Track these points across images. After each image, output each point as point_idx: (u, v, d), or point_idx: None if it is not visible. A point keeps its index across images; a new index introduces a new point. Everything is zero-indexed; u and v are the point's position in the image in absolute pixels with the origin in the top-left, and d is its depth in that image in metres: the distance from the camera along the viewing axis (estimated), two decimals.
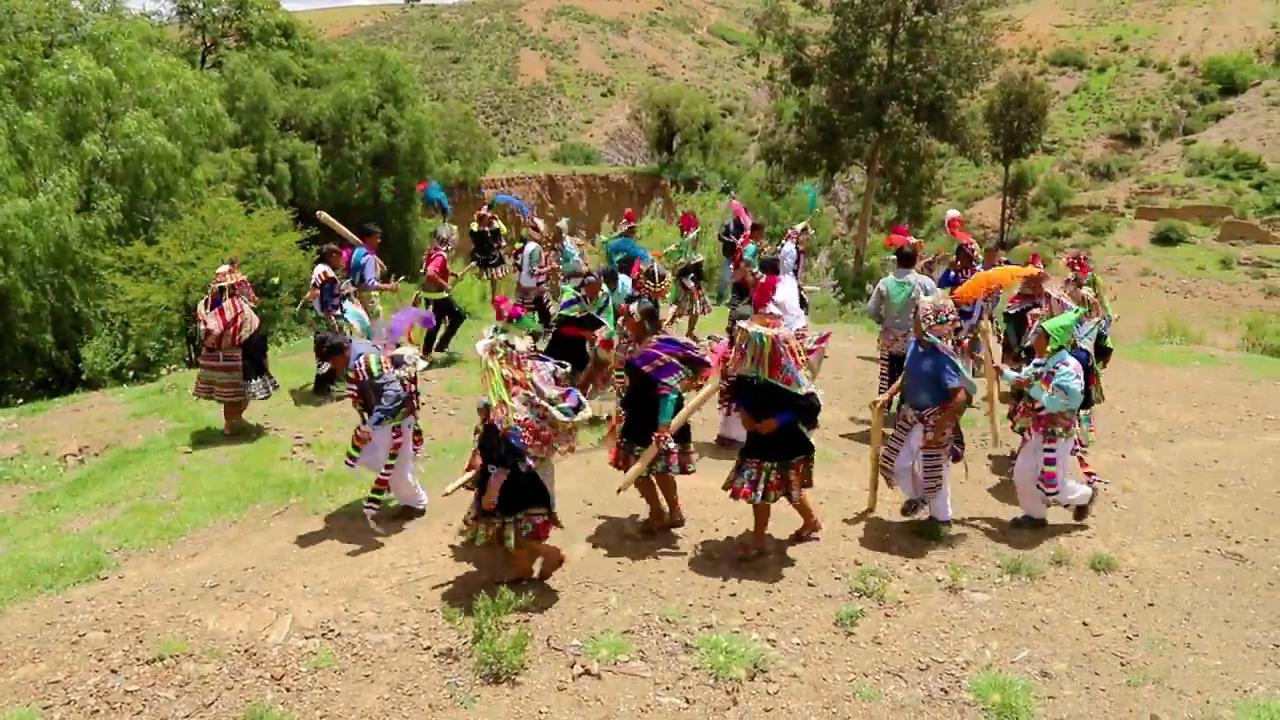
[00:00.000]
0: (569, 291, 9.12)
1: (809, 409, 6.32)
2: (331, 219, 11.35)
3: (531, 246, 12.26)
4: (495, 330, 6.01)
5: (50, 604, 5.81)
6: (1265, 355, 14.49)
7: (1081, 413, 7.94)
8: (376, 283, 10.73)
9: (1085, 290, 8.68)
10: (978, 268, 10.57)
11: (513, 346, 5.83)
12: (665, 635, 5.54)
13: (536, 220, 12.91)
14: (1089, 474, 7.47)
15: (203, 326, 8.79)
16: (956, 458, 7.04)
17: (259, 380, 9.09)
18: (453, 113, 45.73)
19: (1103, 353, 8.58)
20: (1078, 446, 7.31)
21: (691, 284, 12.31)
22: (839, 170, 38.27)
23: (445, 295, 11.69)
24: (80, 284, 17.41)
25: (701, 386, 6.69)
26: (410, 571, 6.29)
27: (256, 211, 19.12)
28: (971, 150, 36.86)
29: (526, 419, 5.62)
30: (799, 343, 6.37)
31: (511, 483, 5.65)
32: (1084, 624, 5.84)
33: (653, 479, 6.77)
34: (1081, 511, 7.31)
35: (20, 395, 14.94)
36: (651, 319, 6.69)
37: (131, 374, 14.78)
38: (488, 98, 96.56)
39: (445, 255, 11.71)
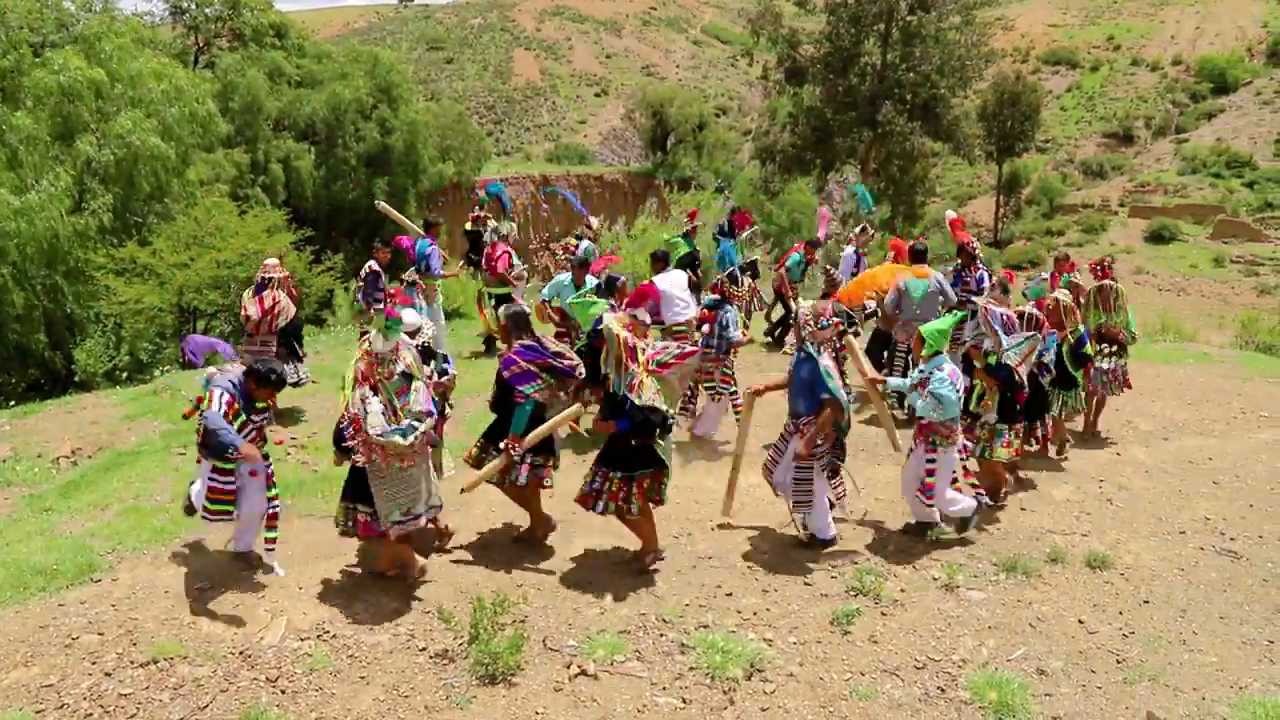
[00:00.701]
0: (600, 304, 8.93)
1: (644, 422, 5.94)
2: (392, 210, 11.88)
3: (586, 244, 12.48)
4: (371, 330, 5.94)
5: (43, 607, 5.77)
6: (1258, 353, 14.53)
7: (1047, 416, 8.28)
8: (441, 271, 11.43)
9: (1060, 294, 8.55)
10: (980, 266, 10.60)
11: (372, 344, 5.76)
12: (662, 635, 5.53)
13: (591, 218, 13.15)
14: (975, 487, 7.13)
15: (243, 312, 9.40)
16: (834, 472, 6.66)
17: (291, 366, 9.49)
18: (447, 113, 45.62)
19: (1081, 360, 8.45)
20: (962, 455, 7.00)
21: (750, 282, 12.38)
22: (833, 169, 38.34)
23: (508, 291, 11.83)
24: (73, 285, 17.38)
25: (568, 396, 6.43)
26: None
27: (250, 213, 19.08)
28: (965, 149, 37.02)
29: (355, 414, 5.56)
30: (660, 354, 6.04)
31: None
32: (1080, 622, 5.85)
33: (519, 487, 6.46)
34: (963, 524, 6.95)
35: (12, 397, 14.87)
36: (516, 323, 6.43)
37: (125, 375, 14.73)
38: (481, 98, 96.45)
39: (509, 251, 11.91)
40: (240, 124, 28.89)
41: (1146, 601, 6.13)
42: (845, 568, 6.47)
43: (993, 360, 7.21)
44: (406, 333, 6.19)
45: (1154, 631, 5.75)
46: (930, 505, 6.76)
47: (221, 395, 5.77)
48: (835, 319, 6.68)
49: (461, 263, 13.86)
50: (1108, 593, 6.24)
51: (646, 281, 8.09)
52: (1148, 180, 67.30)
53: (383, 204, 12.08)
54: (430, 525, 6.20)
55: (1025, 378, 7.44)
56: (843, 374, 6.69)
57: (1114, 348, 9.18)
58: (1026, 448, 8.19)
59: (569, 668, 5.17)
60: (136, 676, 5.02)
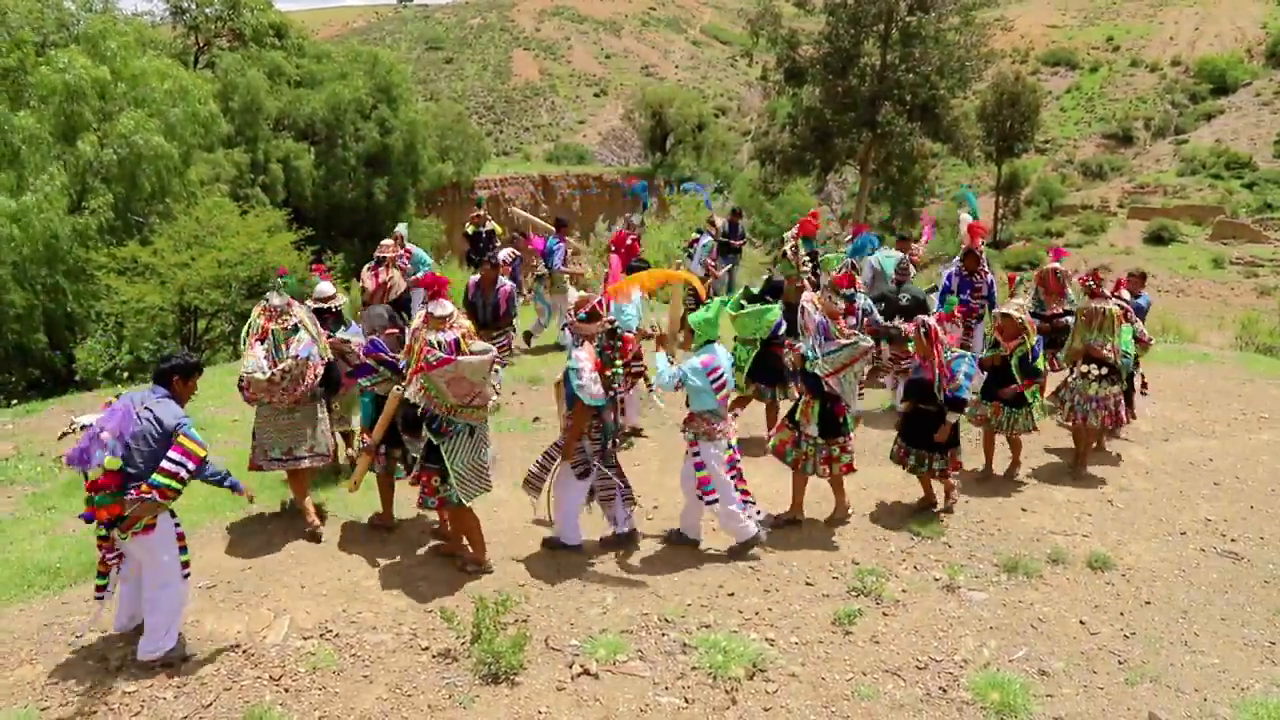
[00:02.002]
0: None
1: (407, 418, 6.19)
2: (524, 213, 12.80)
3: (706, 239, 12.97)
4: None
5: (47, 605, 5.78)
6: (1258, 354, 14.54)
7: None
8: (563, 267, 12.06)
9: (1013, 307, 7.98)
10: (988, 270, 10.61)
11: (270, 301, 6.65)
12: (664, 635, 5.54)
13: (716, 217, 13.80)
14: (744, 495, 6.59)
15: (361, 284, 10.56)
16: (584, 473, 6.40)
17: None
18: (446, 113, 45.61)
19: (1030, 372, 7.78)
20: (732, 461, 6.52)
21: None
22: (832, 170, 38.37)
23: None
24: (73, 284, 17.35)
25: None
26: (407, 572, 6.29)
27: (251, 212, 19.08)
28: (964, 150, 36.98)
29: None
30: (429, 353, 5.92)
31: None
32: (1081, 622, 5.87)
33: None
34: (739, 548, 6.56)
35: (13, 396, 14.86)
36: (372, 323, 7.17)
37: (126, 375, 14.71)
38: (481, 98, 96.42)
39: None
40: (240, 124, 28.83)
41: (1148, 602, 6.15)
42: (847, 568, 6.48)
43: (809, 367, 6.79)
44: (321, 299, 7.43)
45: (1155, 632, 5.77)
46: (711, 502, 6.38)
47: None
48: (608, 318, 6.54)
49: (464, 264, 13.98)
50: (1109, 593, 6.26)
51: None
52: (1147, 181, 67.30)
53: (516, 209, 13.49)
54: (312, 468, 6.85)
55: (843, 392, 6.82)
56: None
57: (1101, 370, 8.09)
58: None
59: (571, 667, 5.18)
60: (140, 675, 5.02)
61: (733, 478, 6.47)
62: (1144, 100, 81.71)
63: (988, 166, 64.09)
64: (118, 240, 17.81)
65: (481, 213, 13.85)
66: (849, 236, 12.51)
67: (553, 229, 12.63)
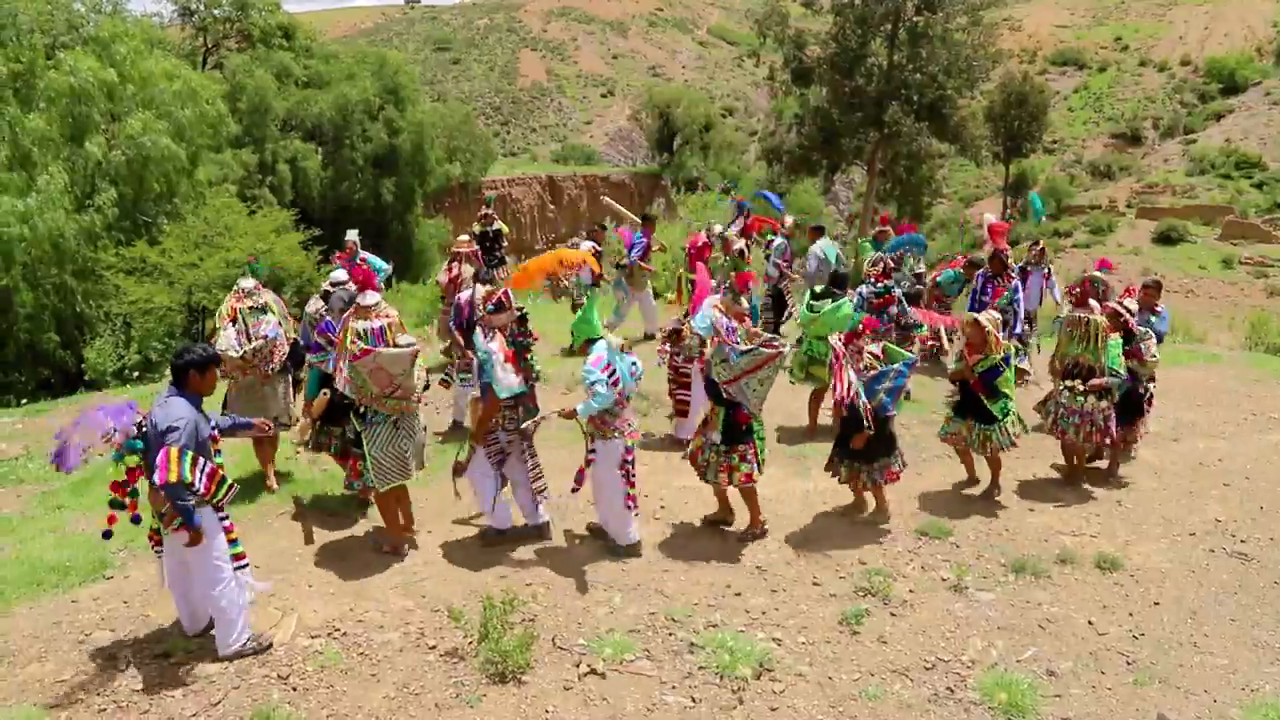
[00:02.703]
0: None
1: (333, 404, 6.69)
2: (616, 205, 13.01)
3: (779, 240, 12.91)
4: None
5: (56, 604, 5.80)
6: (1268, 354, 14.48)
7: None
8: (637, 260, 12.31)
9: (986, 316, 7.45)
10: (1014, 275, 10.51)
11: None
12: (671, 634, 5.54)
13: (788, 217, 13.80)
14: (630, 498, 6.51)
15: (437, 278, 11.08)
16: (500, 461, 6.40)
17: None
18: (453, 114, 45.66)
19: (995, 393, 7.36)
20: (627, 459, 6.38)
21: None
22: (839, 170, 38.36)
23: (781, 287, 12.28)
24: (82, 284, 17.46)
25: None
26: (415, 571, 6.30)
27: (259, 213, 19.16)
28: (972, 150, 37.00)
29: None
30: (355, 343, 6.07)
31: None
32: (1089, 623, 5.84)
33: None
34: (616, 549, 6.55)
35: (23, 396, 14.95)
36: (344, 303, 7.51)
37: (134, 374, 14.79)
38: (488, 99, 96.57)
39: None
40: (248, 124, 28.98)
41: (1156, 603, 6.12)
42: (853, 568, 6.47)
43: (710, 373, 6.61)
44: (334, 283, 7.90)
45: (1164, 633, 5.74)
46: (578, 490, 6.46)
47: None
48: (515, 309, 6.47)
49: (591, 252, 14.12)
50: (1117, 594, 6.24)
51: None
52: (1156, 181, 67.12)
53: (607, 199, 13.81)
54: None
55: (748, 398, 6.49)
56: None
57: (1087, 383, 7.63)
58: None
59: (578, 666, 5.18)
60: (149, 673, 5.04)
61: (631, 478, 6.40)
62: (1153, 100, 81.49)
63: (995, 166, 64.03)
64: (126, 240, 17.91)
65: (489, 212, 13.86)
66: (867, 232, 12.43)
67: (640, 222, 13.09)
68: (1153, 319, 8.66)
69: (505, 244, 13.78)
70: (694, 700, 4.93)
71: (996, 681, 5.09)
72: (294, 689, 4.96)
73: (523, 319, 6.56)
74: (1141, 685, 5.19)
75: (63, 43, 20.79)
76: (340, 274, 8.17)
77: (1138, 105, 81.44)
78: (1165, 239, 54.88)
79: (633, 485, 6.42)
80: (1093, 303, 7.91)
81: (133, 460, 4.91)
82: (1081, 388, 7.62)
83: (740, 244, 11.72)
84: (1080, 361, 7.71)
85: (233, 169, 25.71)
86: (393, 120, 33.52)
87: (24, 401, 13.34)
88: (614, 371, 6.22)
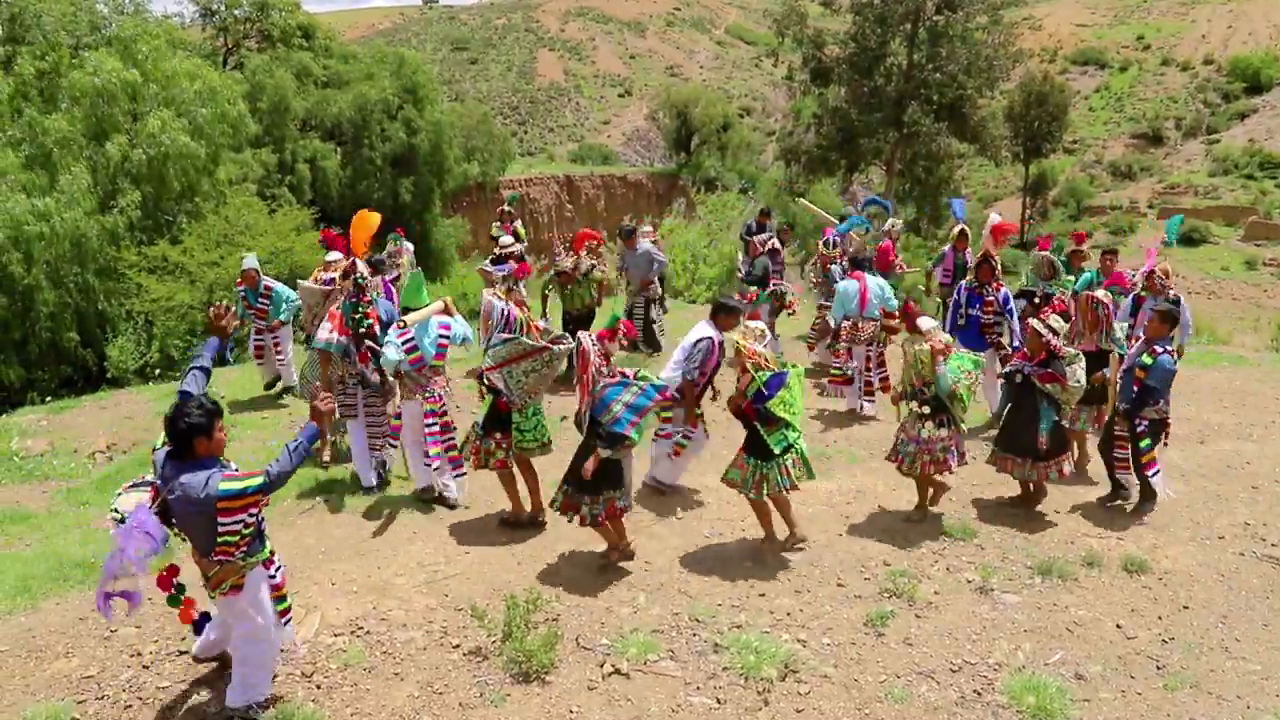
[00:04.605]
0: None
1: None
2: (811, 205, 13.46)
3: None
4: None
5: (82, 599, 5.83)
6: None
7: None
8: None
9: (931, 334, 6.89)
10: (1003, 283, 9.71)
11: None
12: (695, 635, 5.51)
13: (896, 223, 13.78)
14: (450, 456, 7.22)
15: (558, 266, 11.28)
16: (352, 417, 7.51)
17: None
18: (471, 113, 45.74)
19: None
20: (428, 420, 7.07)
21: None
22: (858, 171, 38.16)
23: (892, 284, 12.24)
24: (104, 283, 17.58)
25: None
26: (438, 570, 6.29)
27: (279, 211, 19.25)
28: (992, 150, 36.75)
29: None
30: None
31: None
32: (1118, 626, 5.77)
33: None
34: (418, 491, 7.43)
35: (46, 393, 15.08)
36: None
37: (156, 372, 14.89)
38: (506, 98, 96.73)
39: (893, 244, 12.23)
40: (268, 124, 29.08)
41: (1186, 607, 6.04)
42: (878, 569, 6.42)
43: (484, 360, 6.82)
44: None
45: (1194, 638, 5.67)
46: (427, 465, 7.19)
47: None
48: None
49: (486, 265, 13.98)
50: (1146, 597, 6.16)
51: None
52: (1177, 182, 66.56)
53: (802, 200, 14.31)
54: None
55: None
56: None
57: (925, 409, 6.93)
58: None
59: (602, 666, 5.16)
60: (174, 669, 5.06)
61: (438, 438, 7.07)
62: (1175, 100, 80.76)
63: (1015, 167, 63.65)
64: (148, 239, 18.04)
65: (509, 210, 13.87)
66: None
67: (836, 221, 13.21)
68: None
69: (524, 244, 13.78)
70: (719, 701, 4.90)
71: (1024, 685, 5.04)
72: (318, 686, 4.96)
73: (360, 287, 7.52)
74: (1172, 690, 5.12)
75: (86, 43, 20.95)
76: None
77: (1159, 105, 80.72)
78: (1187, 240, 54.35)
79: (439, 445, 7.07)
80: (922, 322, 6.93)
81: (167, 560, 4.64)
82: (917, 409, 6.91)
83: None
84: (916, 384, 6.90)
85: (253, 168, 25.83)
86: (411, 120, 33.58)
87: (47, 399, 13.45)
88: (410, 339, 6.90)
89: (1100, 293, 8.06)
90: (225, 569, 4.34)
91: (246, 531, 4.26)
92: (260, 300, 10.18)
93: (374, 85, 32.80)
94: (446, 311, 7.23)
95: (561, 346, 6.54)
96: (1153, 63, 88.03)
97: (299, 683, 4.98)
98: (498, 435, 6.76)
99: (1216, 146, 70.13)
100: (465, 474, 7.37)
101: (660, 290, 12.59)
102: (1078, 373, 7.01)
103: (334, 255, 8.41)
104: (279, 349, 10.44)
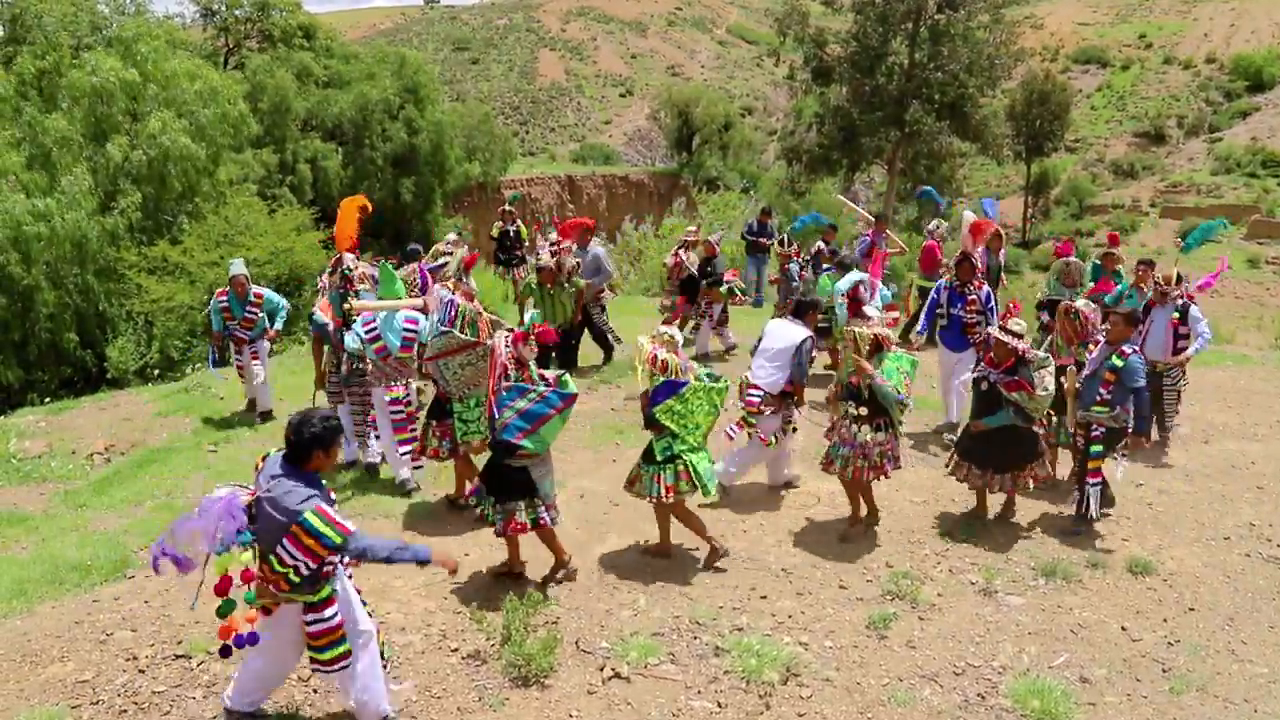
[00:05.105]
0: None
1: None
2: (849, 202, 13.65)
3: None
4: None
5: (78, 603, 5.79)
6: None
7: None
8: (862, 259, 12.22)
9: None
10: (984, 282, 9.13)
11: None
12: (696, 638, 5.46)
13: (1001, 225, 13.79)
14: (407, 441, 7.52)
15: (664, 261, 11.83)
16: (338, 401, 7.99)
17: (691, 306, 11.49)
18: (472, 113, 45.61)
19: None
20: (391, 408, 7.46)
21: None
22: (859, 170, 38.07)
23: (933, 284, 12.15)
24: (104, 283, 17.55)
25: None
26: (436, 573, 6.21)
27: (279, 212, 19.21)
28: (993, 149, 36.64)
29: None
30: None
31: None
32: (1123, 629, 5.72)
33: None
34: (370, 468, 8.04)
35: (46, 394, 15.05)
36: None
37: (156, 373, 14.86)
38: (507, 98, 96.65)
39: (938, 244, 12.17)
40: (269, 124, 29.04)
41: (1191, 609, 5.99)
42: (880, 571, 6.37)
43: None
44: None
45: (1200, 640, 5.61)
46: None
47: None
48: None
49: (495, 266, 13.97)
50: (1151, 599, 6.11)
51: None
52: (1180, 180, 66.43)
53: (840, 197, 14.50)
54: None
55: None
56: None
57: (861, 410, 6.63)
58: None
59: (602, 670, 5.11)
60: (170, 673, 5.01)
61: (403, 425, 7.42)
62: (1177, 98, 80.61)
63: (1017, 166, 63.57)
64: (148, 240, 18.01)
65: (510, 209, 13.83)
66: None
67: (871, 218, 13.57)
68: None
69: (525, 244, 13.75)
70: (720, 705, 4.85)
71: (1029, 688, 4.98)
72: (314, 690, 4.91)
73: (348, 278, 7.95)
74: (1178, 693, 5.07)
75: (87, 44, 20.94)
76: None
77: (1161, 103, 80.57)
78: (1201, 226, 54.25)
79: (404, 432, 7.39)
80: (869, 310, 6.91)
81: (245, 557, 4.18)
82: (854, 412, 6.61)
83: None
84: (854, 383, 6.63)
85: (253, 169, 25.80)
86: (412, 120, 33.53)
87: (47, 400, 13.42)
88: (373, 328, 7.32)
89: (1080, 303, 7.71)
90: (265, 587, 4.22)
91: (296, 577, 4.06)
92: (249, 310, 9.52)
93: (375, 85, 32.77)
94: (424, 311, 7.26)
95: (493, 341, 6.43)
96: (1155, 61, 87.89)
97: (296, 686, 4.93)
98: (434, 424, 7.13)
99: (1219, 145, 69.99)
100: (421, 465, 7.60)
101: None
102: (1046, 379, 6.59)
103: (348, 257, 8.99)
104: (256, 365, 9.63)
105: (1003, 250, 11.40)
